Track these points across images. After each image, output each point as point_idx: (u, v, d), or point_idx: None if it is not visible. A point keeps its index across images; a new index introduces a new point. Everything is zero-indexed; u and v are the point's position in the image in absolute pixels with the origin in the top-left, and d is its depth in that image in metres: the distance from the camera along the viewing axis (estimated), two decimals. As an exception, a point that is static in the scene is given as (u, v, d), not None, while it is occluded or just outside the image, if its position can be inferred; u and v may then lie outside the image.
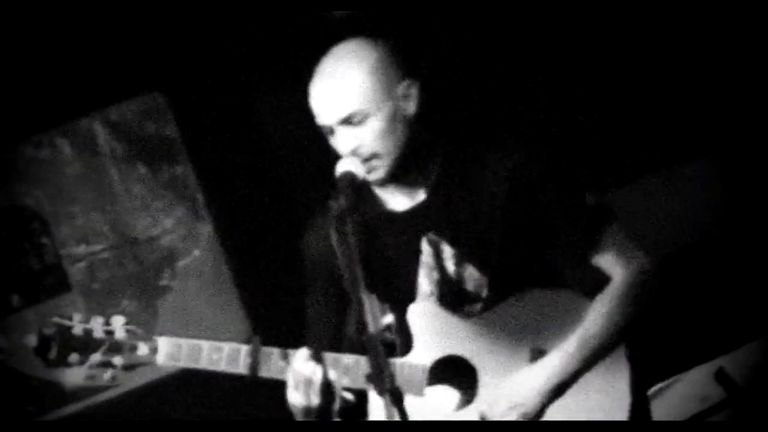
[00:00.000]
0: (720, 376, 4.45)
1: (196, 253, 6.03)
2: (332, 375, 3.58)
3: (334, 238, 3.38)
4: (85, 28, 5.65)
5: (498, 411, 3.65)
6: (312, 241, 3.79)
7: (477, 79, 5.86)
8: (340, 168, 3.61)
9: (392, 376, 3.22)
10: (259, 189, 5.95)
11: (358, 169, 3.60)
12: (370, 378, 3.26)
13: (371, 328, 3.25)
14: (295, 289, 3.93)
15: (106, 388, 5.80)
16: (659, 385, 4.42)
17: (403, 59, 3.69)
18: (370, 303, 3.27)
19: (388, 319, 3.72)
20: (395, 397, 3.21)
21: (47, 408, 5.84)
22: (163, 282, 6.02)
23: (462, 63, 5.84)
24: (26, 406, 5.83)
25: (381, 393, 3.22)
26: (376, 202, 3.77)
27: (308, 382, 3.55)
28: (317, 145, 3.81)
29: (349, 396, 3.67)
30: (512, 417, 3.64)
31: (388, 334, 3.70)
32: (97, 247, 6.00)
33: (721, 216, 5.94)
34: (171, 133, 6.00)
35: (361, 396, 3.69)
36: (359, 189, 3.59)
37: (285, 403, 3.62)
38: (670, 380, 4.49)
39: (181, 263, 6.03)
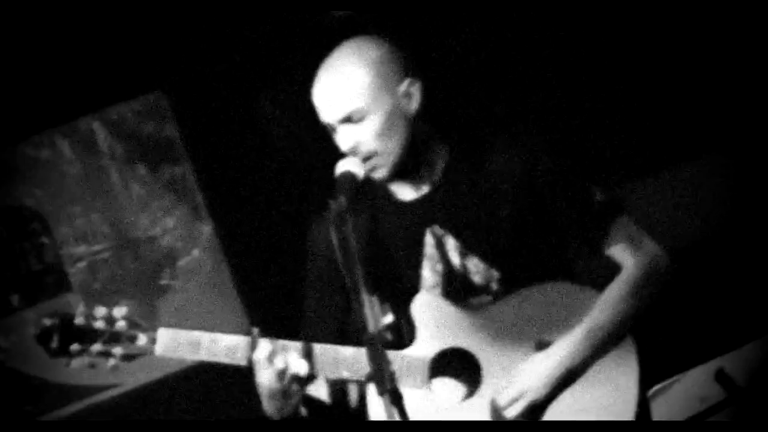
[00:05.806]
0: (720, 376, 4.45)
1: (196, 252, 6.03)
2: (297, 367, 3.62)
3: (334, 237, 3.38)
4: (85, 28, 5.65)
5: (505, 398, 3.63)
6: (317, 238, 3.80)
7: (485, 75, 5.85)
8: (340, 168, 3.61)
9: (392, 376, 3.23)
10: (258, 189, 5.95)
11: (358, 168, 3.61)
12: (371, 378, 3.27)
13: (371, 328, 3.26)
14: (294, 288, 3.93)
15: (106, 387, 5.83)
16: (659, 385, 4.41)
17: (406, 58, 3.70)
18: (370, 303, 3.27)
19: (388, 318, 3.73)
20: (395, 397, 3.21)
21: (47, 408, 5.84)
22: (163, 281, 6.02)
23: (469, 59, 5.84)
24: (26, 405, 5.83)
25: (381, 393, 3.23)
26: (384, 193, 3.78)
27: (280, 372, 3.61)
28: (317, 144, 3.82)
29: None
30: (520, 405, 3.63)
31: (388, 334, 3.71)
32: (97, 247, 6.00)
33: (720, 216, 5.94)
34: (171, 133, 6.00)
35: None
36: (360, 188, 3.60)
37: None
38: (670, 380, 4.48)
39: (181, 263, 6.03)
